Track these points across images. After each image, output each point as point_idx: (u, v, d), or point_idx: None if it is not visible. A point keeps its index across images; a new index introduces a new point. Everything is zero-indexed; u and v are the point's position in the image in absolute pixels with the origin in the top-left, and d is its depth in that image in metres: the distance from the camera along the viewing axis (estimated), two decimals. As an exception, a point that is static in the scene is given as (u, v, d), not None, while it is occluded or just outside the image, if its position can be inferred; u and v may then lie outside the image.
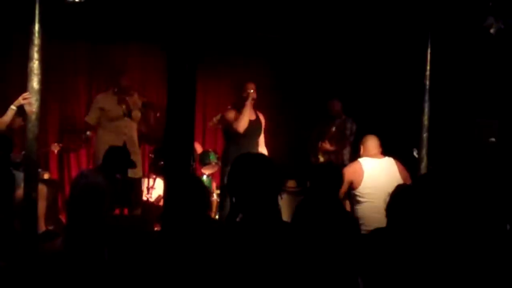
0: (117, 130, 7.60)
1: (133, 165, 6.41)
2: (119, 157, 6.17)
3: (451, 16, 7.18)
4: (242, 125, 7.04)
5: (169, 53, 5.53)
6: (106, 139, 7.31)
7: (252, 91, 7.12)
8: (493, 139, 7.66)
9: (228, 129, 7.23)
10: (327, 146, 8.25)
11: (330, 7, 7.44)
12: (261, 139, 7.43)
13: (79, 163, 8.97)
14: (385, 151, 7.70)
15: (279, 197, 3.04)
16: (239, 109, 7.15)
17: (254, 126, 7.24)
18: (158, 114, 7.91)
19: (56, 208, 8.01)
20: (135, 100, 7.76)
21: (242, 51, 9.26)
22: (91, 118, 7.71)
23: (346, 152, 8.28)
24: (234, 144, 7.13)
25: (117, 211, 6.84)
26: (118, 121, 7.62)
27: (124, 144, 7.30)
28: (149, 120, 7.92)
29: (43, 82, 5.70)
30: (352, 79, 8.94)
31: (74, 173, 8.63)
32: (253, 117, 7.25)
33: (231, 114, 7.19)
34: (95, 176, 5.91)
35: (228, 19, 7.94)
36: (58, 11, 6.17)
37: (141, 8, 7.42)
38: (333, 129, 8.23)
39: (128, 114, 7.65)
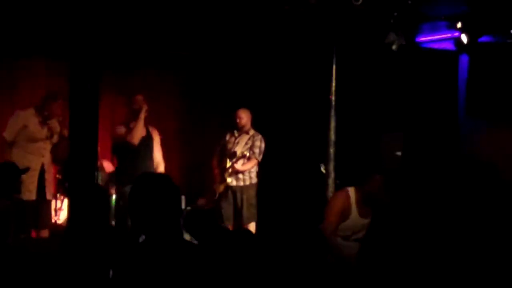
0: (37, 151, 7.35)
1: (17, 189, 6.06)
2: (9, 174, 5.83)
3: (355, 33, 7.31)
4: (136, 136, 7.09)
5: (72, 70, 5.55)
6: (24, 161, 6.94)
7: (141, 102, 7.21)
8: (399, 153, 7.79)
9: (120, 147, 7.24)
10: (238, 166, 7.75)
11: (236, 21, 7.48)
12: (157, 154, 7.43)
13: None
14: (292, 167, 7.94)
15: (180, 218, 3.05)
16: (127, 124, 7.21)
17: (145, 141, 7.28)
18: (66, 133, 7.53)
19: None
20: (55, 123, 7.52)
21: (152, 66, 9.17)
22: (8, 135, 7.30)
23: (253, 172, 7.87)
24: (128, 163, 7.16)
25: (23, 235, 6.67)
26: (39, 142, 7.38)
27: (42, 165, 7.19)
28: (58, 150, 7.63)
29: None
30: (259, 95, 8.89)
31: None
32: (143, 134, 7.28)
33: (120, 130, 7.21)
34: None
35: (137, 35, 7.91)
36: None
37: (44, 22, 7.21)
38: (243, 146, 7.82)
39: (51, 136, 7.44)
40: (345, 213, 5.68)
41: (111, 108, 8.89)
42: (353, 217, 5.72)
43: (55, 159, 7.70)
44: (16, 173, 5.90)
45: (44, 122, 7.38)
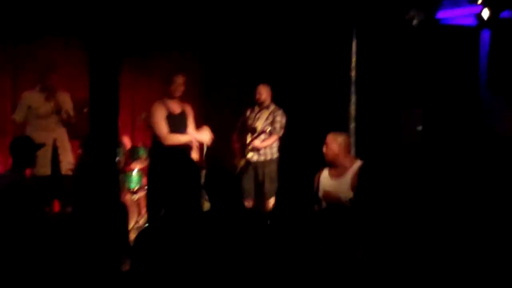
0: (46, 127, 7.53)
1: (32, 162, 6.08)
2: (22, 148, 5.93)
3: (375, 8, 7.32)
4: (169, 143, 7.00)
5: (91, 47, 5.46)
6: (35, 137, 6.91)
7: (180, 83, 7.11)
8: (419, 128, 7.82)
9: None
10: (258, 143, 7.80)
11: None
12: (191, 130, 7.33)
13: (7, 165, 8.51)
14: (313, 142, 7.69)
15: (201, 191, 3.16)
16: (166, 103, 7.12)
17: (178, 120, 7.19)
18: (85, 110, 7.59)
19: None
20: (65, 98, 7.72)
21: (169, 45, 9.16)
22: (18, 116, 7.63)
23: (275, 147, 7.92)
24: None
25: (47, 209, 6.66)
26: (47, 119, 7.57)
27: (54, 141, 7.14)
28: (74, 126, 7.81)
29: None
30: (280, 71, 8.84)
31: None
32: (177, 111, 7.20)
33: (161, 126, 7.09)
34: (12, 174, 5.82)
35: (153, 14, 7.91)
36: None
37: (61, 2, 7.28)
38: (264, 121, 7.84)
39: (57, 111, 7.58)
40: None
41: (130, 86, 9.05)
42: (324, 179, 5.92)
43: (73, 135, 7.85)
44: (31, 146, 5.99)
45: (48, 97, 7.53)
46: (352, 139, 7.29)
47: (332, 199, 5.72)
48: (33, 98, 7.58)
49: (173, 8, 7.69)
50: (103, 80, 5.36)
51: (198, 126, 7.47)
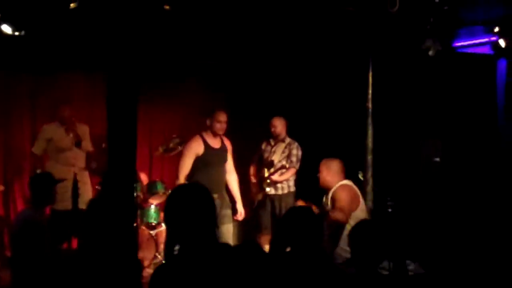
0: (66, 161, 7.54)
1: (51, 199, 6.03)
2: (41, 185, 5.89)
3: (391, 39, 7.27)
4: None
5: (109, 80, 5.31)
6: (56, 171, 6.97)
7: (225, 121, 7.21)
8: (437, 159, 7.71)
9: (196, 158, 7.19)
10: (276, 177, 7.74)
11: (271, 27, 7.41)
12: (229, 164, 7.43)
13: (25, 198, 8.59)
14: None
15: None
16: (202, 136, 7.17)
17: (219, 154, 7.26)
18: (104, 145, 7.65)
19: (2, 244, 7.84)
20: (84, 129, 7.75)
21: (184, 77, 9.19)
22: (37, 149, 7.65)
23: (292, 180, 7.89)
24: (201, 173, 7.10)
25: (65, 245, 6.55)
26: (67, 152, 7.58)
27: (75, 175, 6.91)
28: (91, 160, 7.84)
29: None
30: (295, 103, 8.89)
31: (20, 208, 8.39)
32: (218, 145, 7.25)
33: (184, 163, 7.19)
34: (30, 210, 5.81)
35: (169, 47, 7.94)
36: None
37: (79, 36, 7.30)
38: (280, 155, 7.82)
39: (77, 144, 7.58)
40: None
41: (148, 120, 9.04)
42: None
43: (90, 170, 7.87)
44: (51, 183, 5.94)
45: (69, 129, 7.55)
46: (369, 172, 7.23)
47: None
48: (53, 130, 7.61)
49: (189, 37, 7.69)
50: (121, 113, 5.28)
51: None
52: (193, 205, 3.08)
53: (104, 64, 5.40)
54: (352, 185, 6.35)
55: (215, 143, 7.25)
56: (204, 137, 7.21)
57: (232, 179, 7.53)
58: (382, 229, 4.05)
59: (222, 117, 7.18)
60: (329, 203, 6.17)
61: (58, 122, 7.64)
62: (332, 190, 6.20)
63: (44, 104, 8.59)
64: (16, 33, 6.10)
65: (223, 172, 7.36)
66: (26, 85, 8.68)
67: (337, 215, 5.94)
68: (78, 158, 7.67)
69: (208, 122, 7.21)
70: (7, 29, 6.14)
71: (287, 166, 7.64)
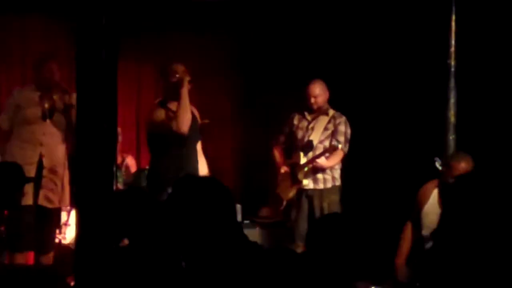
0: (33, 138, 6.27)
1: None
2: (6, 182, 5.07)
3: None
4: (186, 121, 5.85)
5: (79, 34, 4.43)
6: (19, 154, 6.02)
7: (182, 74, 5.98)
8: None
9: (160, 136, 6.01)
10: (323, 162, 6.41)
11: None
12: (199, 145, 6.37)
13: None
14: (392, 163, 7.20)
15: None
16: (166, 105, 6.07)
17: (193, 127, 6.12)
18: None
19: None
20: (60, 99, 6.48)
21: (189, 26, 8.11)
22: (3, 120, 6.40)
23: (337, 170, 6.64)
24: (168, 157, 5.95)
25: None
26: (33, 126, 6.29)
27: (40, 158, 6.06)
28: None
29: None
30: (338, 62, 7.71)
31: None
32: (190, 117, 6.11)
33: (160, 113, 6.02)
34: None
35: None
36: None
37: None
38: (321, 133, 6.59)
39: (44, 116, 6.24)
40: None
41: (134, 86, 8.43)
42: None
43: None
44: (17, 181, 5.20)
45: (43, 98, 6.32)
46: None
47: None
48: (24, 96, 6.42)
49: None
50: (95, 76, 4.41)
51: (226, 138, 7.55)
52: (205, 204, 2.84)
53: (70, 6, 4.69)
54: None
55: None
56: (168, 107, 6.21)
57: (204, 161, 6.61)
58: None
59: (178, 67, 6.12)
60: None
61: (34, 85, 6.44)
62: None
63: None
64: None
65: (194, 153, 6.47)
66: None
67: None
68: (48, 134, 6.33)
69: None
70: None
71: (339, 146, 6.43)
